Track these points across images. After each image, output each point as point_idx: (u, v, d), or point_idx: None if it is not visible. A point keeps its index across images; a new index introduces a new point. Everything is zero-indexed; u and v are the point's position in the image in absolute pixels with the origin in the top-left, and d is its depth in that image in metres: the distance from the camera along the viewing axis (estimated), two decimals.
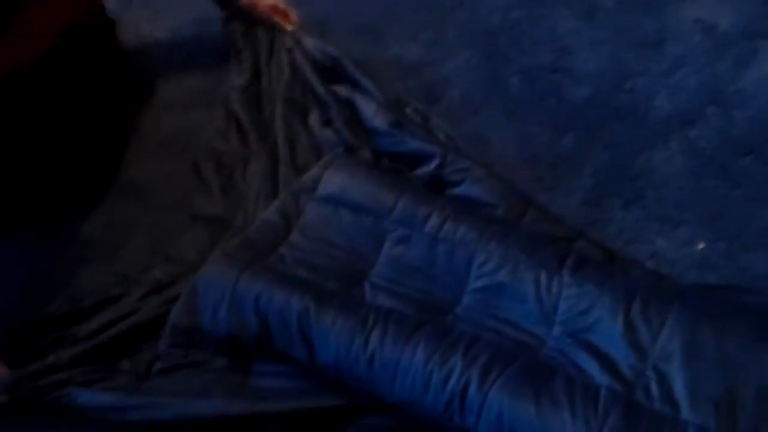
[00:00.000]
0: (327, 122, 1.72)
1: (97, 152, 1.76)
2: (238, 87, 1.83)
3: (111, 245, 1.61)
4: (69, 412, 1.36)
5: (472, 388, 1.23)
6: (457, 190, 1.56)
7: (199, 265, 1.48)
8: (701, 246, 1.52)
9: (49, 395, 1.36)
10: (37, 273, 1.59)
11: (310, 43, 1.83)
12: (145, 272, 1.55)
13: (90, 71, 1.77)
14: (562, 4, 1.97)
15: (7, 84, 1.54)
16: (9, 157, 1.60)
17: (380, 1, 2.08)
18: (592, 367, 1.25)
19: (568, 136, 1.72)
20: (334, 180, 1.55)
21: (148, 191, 1.72)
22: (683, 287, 1.40)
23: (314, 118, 1.75)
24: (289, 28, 1.85)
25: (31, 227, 1.68)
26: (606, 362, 1.25)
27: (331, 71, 1.81)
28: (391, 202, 1.49)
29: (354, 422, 1.34)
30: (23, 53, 1.58)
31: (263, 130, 1.76)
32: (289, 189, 1.58)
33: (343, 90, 1.76)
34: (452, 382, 1.24)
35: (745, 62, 1.80)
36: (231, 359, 1.40)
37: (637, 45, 1.87)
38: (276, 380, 1.38)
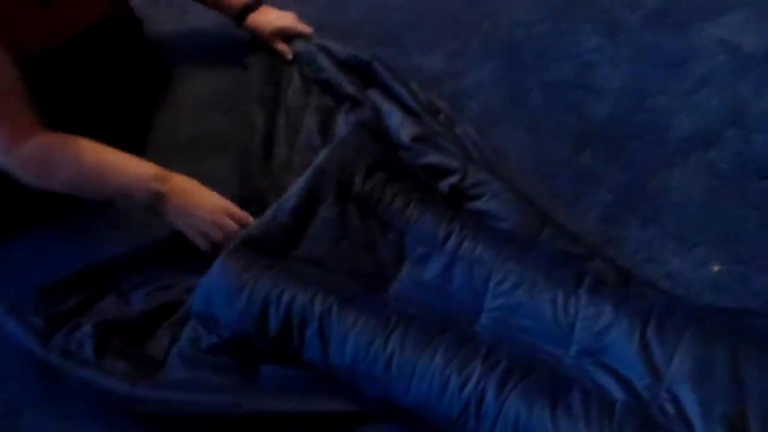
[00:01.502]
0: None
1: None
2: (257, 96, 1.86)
3: (129, 244, 1.60)
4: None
5: (490, 395, 1.23)
6: (476, 205, 1.57)
7: None
8: (716, 268, 1.52)
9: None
10: (53, 271, 1.58)
11: (338, 47, 1.85)
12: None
13: (113, 67, 1.77)
14: (586, 21, 1.98)
15: (46, 60, 1.55)
16: None
17: (403, 10, 2.09)
18: (608, 383, 1.26)
19: (586, 153, 1.72)
20: (361, 183, 1.55)
21: None
22: (698, 309, 1.40)
23: (341, 116, 1.77)
24: (289, 56, 1.89)
25: (46, 224, 1.68)
26: (622, 382, 1.25)
27: (363, 75, 1.83)
28: (414, 219, 1.50)
29: (362, 428, 1.34)
30: (64, 28, 1.59)
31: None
32: (310, 173, 1.56)
33: (373, 95, 1.78)
34: (470, 387, 1.24)
35: (767, 85, 1.80)
36: (241, 359, 1.41)
37: (659, 64, 1.87)
38: (285, 382, 1.38)
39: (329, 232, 1.51)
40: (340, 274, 1.45)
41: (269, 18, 1.90)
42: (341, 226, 1.51)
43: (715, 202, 1.61)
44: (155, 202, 1.53)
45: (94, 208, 1.66)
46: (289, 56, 1.88)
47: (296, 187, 1.53)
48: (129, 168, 1.54)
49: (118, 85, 1.79)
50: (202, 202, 1.55)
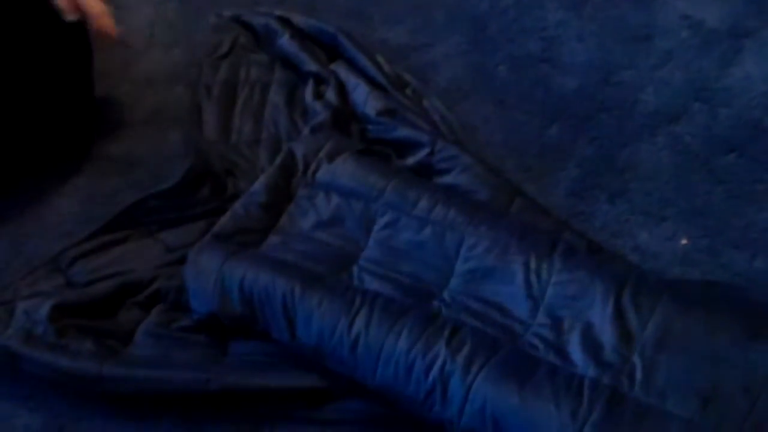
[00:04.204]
0: (319, 96, 1.72)
1: (70, 126, 1.72)
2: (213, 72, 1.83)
3: (92, 220, 1.57)
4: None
5: (455, 379, 1.22)
6: (446, 179, 1.56)
7: None
8: (684, 241, 1.53)
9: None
10: (15, 250, 1.56)
11: (302, 21, 1.82)
12: None
13: (55, 38, 1.71)
14: None
15: None
16: None
17: None
18: (576, 353, 1.24)
19: (554, 127, 1.72)
20: (325, 166, 1.54)
21: (129, 166, 1.69)
22: (671, 281, 1.40)
23: (306, 91, 1.74)
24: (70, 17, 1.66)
25: (4, 201, 1.64)
26: (591, 348, 1.24)
27: (327, 49, 1.80)
28: (381, 186, 1.49)
29: (332, 404, 1.33)
30: None
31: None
32: (277, 164, 1.58)
33: (338, 68, 1.76)
34: (434, 372, 1.23)
35: (731, 60, 1.82)
36: (211, 336, 1.39)
37: (624, 39, 1.88)
38: (255, 358, 1.37)
39: (299, 221, 1.50)
40: (309, 256, 1.44)
41: None
42: (310, 212, 1.51)
43: (683, 176, 1.62)
44: None
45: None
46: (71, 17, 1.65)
47: (262, 181, 1.54)
48: None
49: (64, 58, 1.72)
50: None
